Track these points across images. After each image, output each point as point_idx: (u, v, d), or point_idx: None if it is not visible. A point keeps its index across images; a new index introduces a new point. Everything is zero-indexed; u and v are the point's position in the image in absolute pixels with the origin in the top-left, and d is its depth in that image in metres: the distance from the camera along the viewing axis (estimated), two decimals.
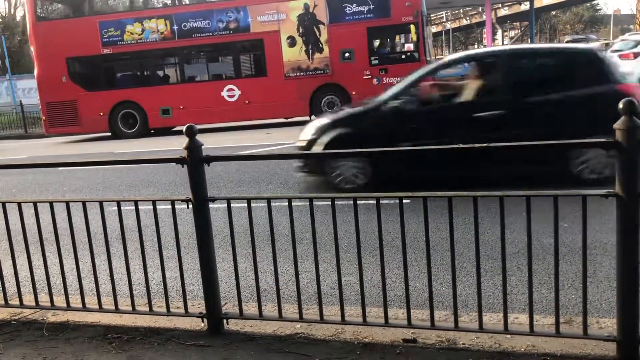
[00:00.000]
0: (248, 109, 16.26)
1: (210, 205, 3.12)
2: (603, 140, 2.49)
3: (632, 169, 2.45)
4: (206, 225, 3.10)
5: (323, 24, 15.87)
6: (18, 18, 36.65)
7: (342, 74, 15.75)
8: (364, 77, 15.66)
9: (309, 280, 4.04)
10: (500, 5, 43.82)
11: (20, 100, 24.52)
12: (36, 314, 3.66)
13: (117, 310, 3.40)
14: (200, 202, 3.06)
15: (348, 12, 15.67)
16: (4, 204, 3.56)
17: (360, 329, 3.08)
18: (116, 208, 3.28)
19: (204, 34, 16.37)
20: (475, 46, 50.39)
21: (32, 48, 17.51)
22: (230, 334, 3.19)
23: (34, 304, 3.59)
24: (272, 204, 3.04)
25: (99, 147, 15.46)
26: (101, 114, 16.75)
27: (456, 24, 53.01)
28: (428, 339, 2.94)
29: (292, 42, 16.04)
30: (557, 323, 2.73)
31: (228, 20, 16.23)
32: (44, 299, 3.63)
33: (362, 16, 15.60)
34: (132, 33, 16.60)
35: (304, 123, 15.62)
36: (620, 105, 2.42)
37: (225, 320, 3.24)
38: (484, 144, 2.82)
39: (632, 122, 2.40)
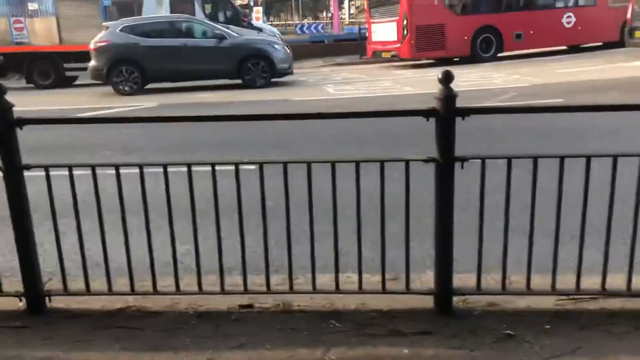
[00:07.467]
0: (580, 33, 18.88)
1: (31, 174, 2.81)
2: (424, 109, 2.65)
3: (448, 135, 2.64)
4: (20, 195, 2.80)
5: None
6: None
7: None
8: None
9: (144, 252, 3.85)
10: None
11: None
12: None
13: None
14: (11, 169, 2.75)
15: None
16: None
17: (196, 298, 3.02)
18: None
19: None
20: (324, 13, 51.16)
21: None
22: (54, 312, 2.95)
23: None
24: (108, 172, 2.83)
25: None
26: (465, 37, 17.85)
27: None
28: (265, 303, 2.97)
29: None
30: (384, 281, 2.90)
31: None
32: None
33: None
34: None
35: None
36: (440, 76, 2.59)
37: (47, 298, 2.99)
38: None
39: (449, 91, 2.58)
